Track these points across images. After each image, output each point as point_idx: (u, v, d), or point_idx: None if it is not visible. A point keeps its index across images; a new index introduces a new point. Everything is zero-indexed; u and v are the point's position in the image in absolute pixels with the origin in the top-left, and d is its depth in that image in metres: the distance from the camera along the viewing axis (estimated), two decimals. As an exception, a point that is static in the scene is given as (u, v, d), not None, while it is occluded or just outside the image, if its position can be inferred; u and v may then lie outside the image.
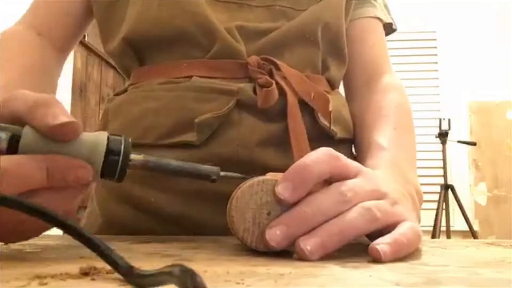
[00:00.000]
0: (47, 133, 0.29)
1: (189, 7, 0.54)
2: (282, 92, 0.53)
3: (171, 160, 0.35)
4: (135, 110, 0.55)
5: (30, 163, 0.28)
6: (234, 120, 0.52)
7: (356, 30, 0.68)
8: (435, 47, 3.38)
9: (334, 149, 0.57)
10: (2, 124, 0.29)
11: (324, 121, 0.55)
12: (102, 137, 0.31)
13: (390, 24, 0.71)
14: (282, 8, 0.58)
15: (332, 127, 0.56)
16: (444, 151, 2.84)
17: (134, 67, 0.60)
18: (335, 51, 0.62)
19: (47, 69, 0.63)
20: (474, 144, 2.94)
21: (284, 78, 0.54)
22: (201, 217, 0.51)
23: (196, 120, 0.51)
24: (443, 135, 2.83)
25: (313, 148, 0.53)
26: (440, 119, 2.87)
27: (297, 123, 0.52)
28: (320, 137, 0.55)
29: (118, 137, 0.32)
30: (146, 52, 0.58)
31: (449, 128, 2.84)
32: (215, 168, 0.35)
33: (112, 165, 0.31)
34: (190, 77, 0.54)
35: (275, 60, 0.54)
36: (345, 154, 0.58)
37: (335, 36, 0.61)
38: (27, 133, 0.29)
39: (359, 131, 0.62)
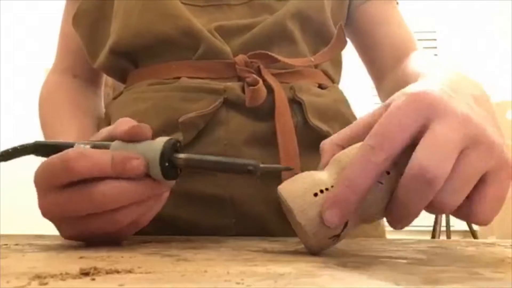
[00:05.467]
0: (123, 137, 0.37)
1: (168, 12, 0.55)
2: (271, 90, 0.52)
3: (211, 156, 0.37)
4: (126, 112, 0.55)
5: (101, 152, 0.36)
6: (221, 119, 0.52)
7: (377, 11, 0.67)
8: (435, 47, 3.38)
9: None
10: (95, 141, 0.39)
11: (315, 121, 0.54)
12: (160, 139, 0.36)
13: None
14: (262, 2, 0.57)
15: (326, 127, 0.54)
16: (444, 151, 2.84)
17: (129, 71, 0.61)
18: (323, 44, 0.60)
19: (93, 106, 0.68)
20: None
21: (273, 74, 0.53)
22: (191, 218, 0.52)
23: (180, 120, 0.51)
24: (443, 135, 2.83)
25: (301, 146, 0.52)
26: (440, 119, 2.87)
27: (285, 121, 0.51)
28: (312, 136, 0.54)
29: (172, 140, 0.37)
30: (136, 58, 0.59)
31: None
32: (253, 161, 0.35)
33: (161, 163, 0.36)
34: (179, 78, 0.54)
35: (266, 52, 0.53)
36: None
37: (319, 29, 0.60)
38: (114, 144, 0.38)
39: None
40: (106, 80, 0.78)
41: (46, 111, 0.65)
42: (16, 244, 0.38)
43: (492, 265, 0.29)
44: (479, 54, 3.34)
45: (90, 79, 0.70)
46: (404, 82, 0.55)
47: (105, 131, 0.40)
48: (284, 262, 0.29)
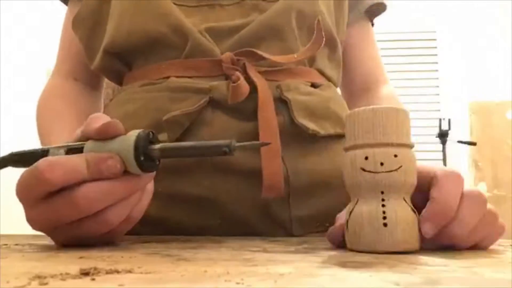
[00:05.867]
0: (95, 136, 0.36)
1: (159, 11, 0.55)
2: (256, 89, 0.52)
3: (185, 142, 0.37)
4: (118, 113, 0.56)
5: (74, 157, 0.35)
6: (206, 119, 0.52)
7: (353, 38, 0.70)
8: (435, 47, 3.38)
9: (320, 146, 0.56)
10: (70, 143, 0.38)
11: (301, 119, 0.53)
12: (132, 133, 0.36)
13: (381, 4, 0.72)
14: (253, 2, 0.57)
15: (314, 126, 0.54)
16: (444, 151, 2.84)
17: (124, 73, 0.61)
18: None
19: (94, 111, 0.67)
20: (474, 144, 2.94)
21: (260, 72, 0.53)
22: (178, 219, 0.52)
23: (164, 118, 0.51)
24: (443, 135, 2.83)
25: (288, 145, 0.52)
26: (440, 119, 2.87)
27: (268, 118, 0.51)
28: (298, 135, 0.53)
29: (144, 132, 0.36)
30: (129, 59, 0.59)
31: (449, 128, 2.83)
32: (228, 141, 0.34)
33: (137, 158, 0.35)
34: (168, 77, 0.54)
35: (251, 50, 0.53)
36: (338, 152, 0.58)
37: (313, 23, 0.59)
38: (87, 144, 0.37)
39: None
40: (107, 80, 0.78)
41: (44, 119, 0.65)
42: (16, 244, 0.38)
43: (492, 265, 0.29)
44: (479, 54, 3.34)
45: (91, 83, 0.71)
46: None
47: (79, 131, 0.40)
48: (284, 262, 0.29)
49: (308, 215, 0.54)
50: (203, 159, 0.50)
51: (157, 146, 0.36)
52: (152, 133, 0.36)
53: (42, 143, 0.61)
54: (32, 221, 0.36)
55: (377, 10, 0.72)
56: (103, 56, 0.60)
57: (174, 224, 0.52)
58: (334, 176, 0.56)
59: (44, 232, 0.37)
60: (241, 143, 0.35)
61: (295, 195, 0.52)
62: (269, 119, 0.51)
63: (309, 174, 0.53)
